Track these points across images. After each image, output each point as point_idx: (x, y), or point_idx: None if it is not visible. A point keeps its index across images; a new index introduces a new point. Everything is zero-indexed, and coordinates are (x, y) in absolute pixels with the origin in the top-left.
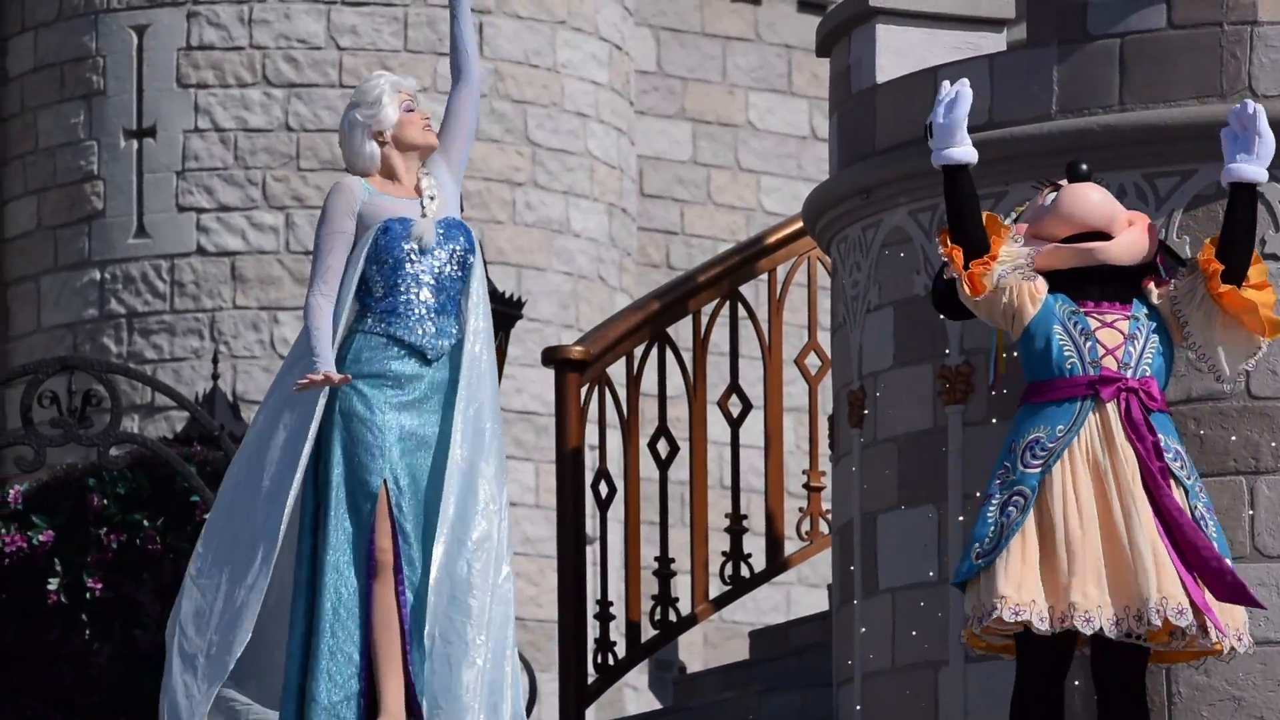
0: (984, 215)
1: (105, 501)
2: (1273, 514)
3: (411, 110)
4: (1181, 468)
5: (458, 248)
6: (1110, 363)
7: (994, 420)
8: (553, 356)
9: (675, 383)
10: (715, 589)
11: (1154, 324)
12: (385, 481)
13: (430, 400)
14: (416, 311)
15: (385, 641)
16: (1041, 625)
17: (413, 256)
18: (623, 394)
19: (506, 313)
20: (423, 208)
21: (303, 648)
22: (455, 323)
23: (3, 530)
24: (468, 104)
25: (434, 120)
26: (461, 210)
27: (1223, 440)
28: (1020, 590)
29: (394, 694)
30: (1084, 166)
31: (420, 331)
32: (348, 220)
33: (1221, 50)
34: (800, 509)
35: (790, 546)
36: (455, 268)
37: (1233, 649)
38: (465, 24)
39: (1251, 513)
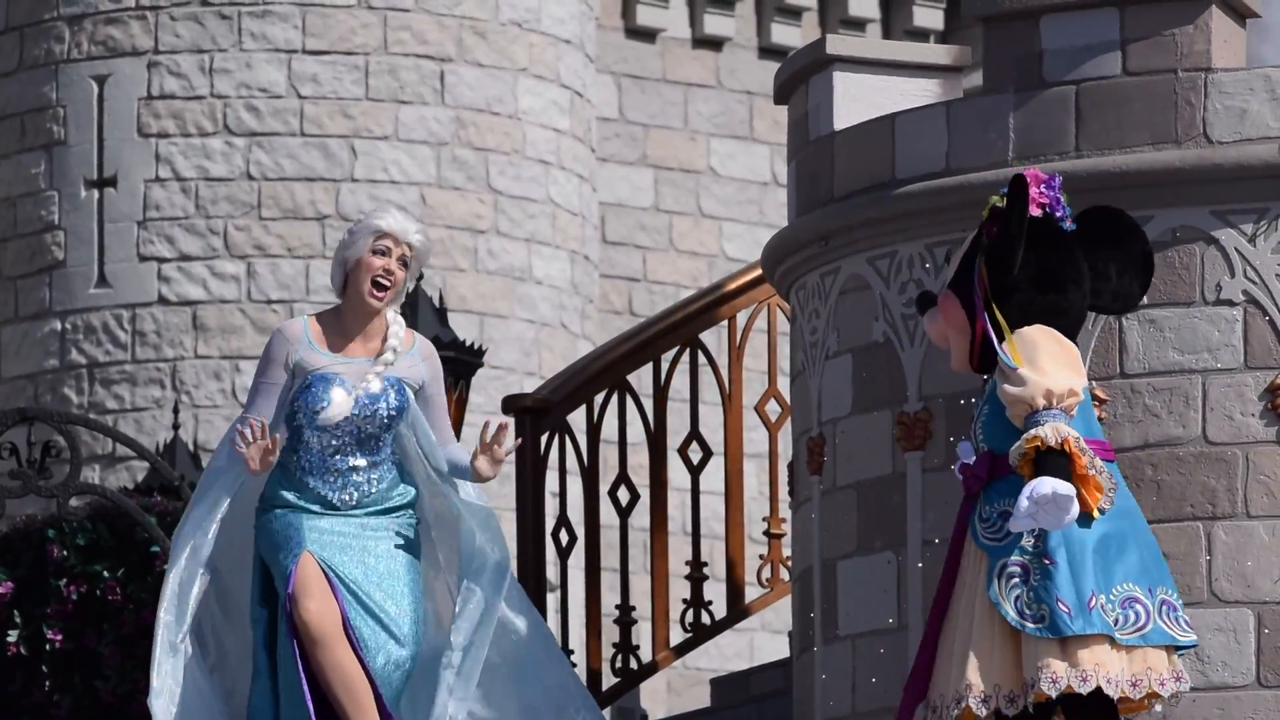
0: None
1: (65, 553)
2: (1229, 559)
3: (383, 254)
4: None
5: (382, 408)
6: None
7: (953, 466)
8: (514, 404)
9: (636, 430)
10: (676, 636)
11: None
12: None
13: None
14: (326, 462)
15: (349, 703)
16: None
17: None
18: (583, 441)
19: (467, 361)
20: (380, 357)
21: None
22: (381, 470)
23: None
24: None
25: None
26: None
27: (1179, 486)
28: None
29: None
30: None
31: (328, 480)
32: (280, 371)
33: (1176, 97)
34: (761, 556)
35: (751, 593)
36: (376, 425)
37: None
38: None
39: (1208, 558)
